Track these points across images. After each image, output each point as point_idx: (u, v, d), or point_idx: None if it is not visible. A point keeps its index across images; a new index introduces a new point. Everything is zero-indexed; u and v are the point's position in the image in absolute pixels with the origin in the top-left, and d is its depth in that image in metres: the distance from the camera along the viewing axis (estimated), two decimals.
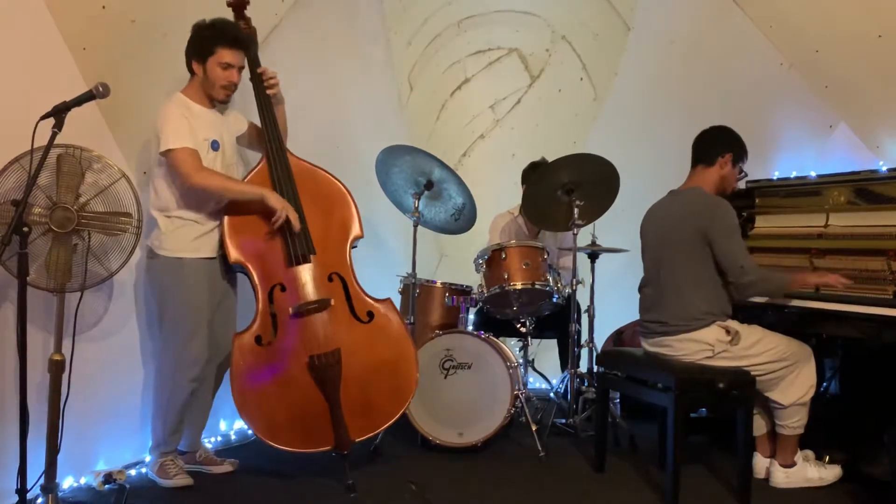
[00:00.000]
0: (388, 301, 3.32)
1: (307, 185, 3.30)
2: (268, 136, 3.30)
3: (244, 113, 3.45)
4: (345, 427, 3.10)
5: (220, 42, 3.13)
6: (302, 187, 3.28)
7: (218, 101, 3.24)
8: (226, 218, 3.20)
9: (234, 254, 3.18)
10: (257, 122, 3.38)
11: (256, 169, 3.30)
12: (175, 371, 3.17)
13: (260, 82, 3.33)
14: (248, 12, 3.41)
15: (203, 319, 3.18)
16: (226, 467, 3.37)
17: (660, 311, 3.20)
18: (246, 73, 3.32)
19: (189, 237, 3.16)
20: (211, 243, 3.22)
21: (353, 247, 3.35)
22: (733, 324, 3.11)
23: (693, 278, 3.11)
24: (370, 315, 3.26)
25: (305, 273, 3.20)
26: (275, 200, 3.14)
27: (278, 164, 3.26)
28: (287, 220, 3.14)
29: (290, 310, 3.16)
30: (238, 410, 3.12)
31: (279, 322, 3.17)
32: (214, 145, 3.19)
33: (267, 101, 3.33)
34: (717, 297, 3.12)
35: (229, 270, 3.31)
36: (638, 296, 3.40)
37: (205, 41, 3.14)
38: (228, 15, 3.32)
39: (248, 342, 3.13)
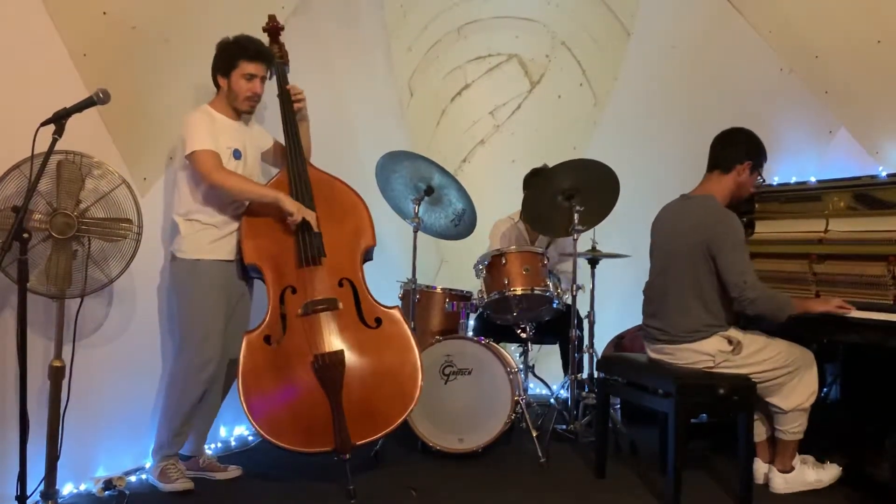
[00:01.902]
0: (397, 309, 3.37)
1: (324, 192, 3.41)
2: (290, 145, 3.42)
3: (270, 132, 3.56)
4: (346, 429, 3.10)
5: (243, 55, 3.26)
6: (318, 194, 3.39)
7: (243, 111, 3.35)
8: (243, 220, 3.30)
9: (249, 255, 3.27)
10: (282, 140, 3.49)
11: (276, 177, 3.43)
12: (189, 370, 3.21)
13: (287, 99, 3.47)
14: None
15: (218, 320, 3.24)
16: (230, 473, 3.36)
17: (662, 319, 3.19)
18: (272, 91, 3.43)
19: (207, 240, 3.25)
20: (228, 246, 3.30)
21: (368, 258, 3.45)
22: (735, 333, 3.09)
23: (697, 289, 3.09)
24: (378, 321, 3.31)
25: (316, 276, 3.27)
26: (289, 203, 3.22)
27: (297, 171, 3.37)
28: (305, 221, 3.24)
29: (299, 310, 3.22)
30: (243, 407, 3.13)
31: (288, 322, 3.23)
32: (236, 154, 3.30)
33: (292, 117, 3.46)
34: (721, 307, 3.09)
35: (246, 273, 3.37)
36: (640, 299, 3.38)
37: (228, 56, 3.27)
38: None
39: (257, 341, 3.19)
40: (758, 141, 3.25)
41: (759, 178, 3.31)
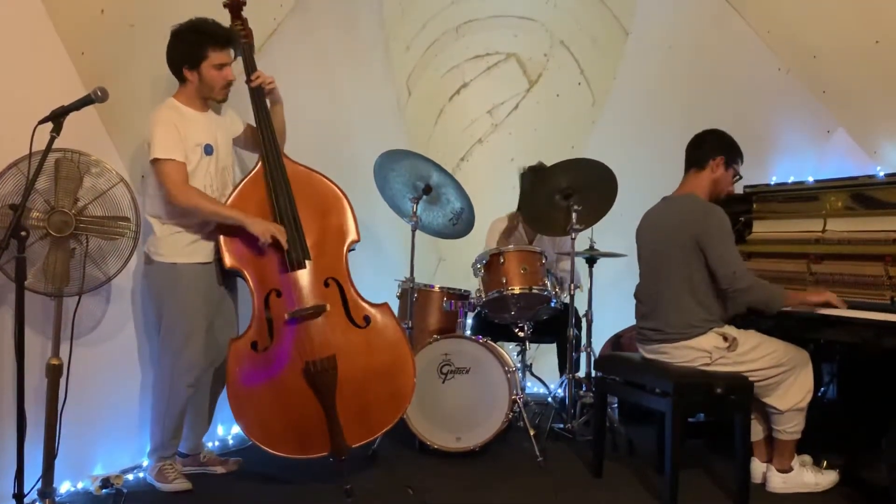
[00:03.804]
0: (384, 305, 3.31)
1: (303, 189, 3.28)
2: (264, 141, 3.27)
3: (241, 114, 3.44)
4: (341, 433, 3.09)
5: (212, 44, 3.09)
6: (298, 192, 3.26)
7: (217, 101, 3.23)
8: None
9: (230, 259, 3.16)
10: (254, 123, 3.35)
11: (252, 174, 3.26)
12: (172, 376, 3.17)
13: (259, 88, 3.29)
14: (247, 15, 3.40)
15: (199, 324, 3.17)
16: (230, 466, 3.37)
17: (657, 319, 3.20)
18: (242, 76, 3.30)
19: (183, 243, 3.15)
20: (206, 248, 3.20)
21: (350, 251, 3.34)
22: (730, 330, 3.11)
23: (689, 286, 3.10)
24: (367, 320, 3.25)
25: (301, 278, 3.19)
26: (256, 227, 3.09)
27: (274, 170, 3.24)
28: (282, 230, 3.14)
29: (286, 315, 3.15)
30: (234, 416, 3.11)
31: (275, 328, 3.16)
32: (207, 149, 3.17)
33: (263, 107, 3.30)
34: (714, 303, 3.11)
35: (227, 275, 3.29)
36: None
37: (194, 46, 3.09)
38: (227, 17, 3.32)
39: (243, 348, 3.12)
40: (729, 138, 3.30)
41: (735, 175, 3.33)
